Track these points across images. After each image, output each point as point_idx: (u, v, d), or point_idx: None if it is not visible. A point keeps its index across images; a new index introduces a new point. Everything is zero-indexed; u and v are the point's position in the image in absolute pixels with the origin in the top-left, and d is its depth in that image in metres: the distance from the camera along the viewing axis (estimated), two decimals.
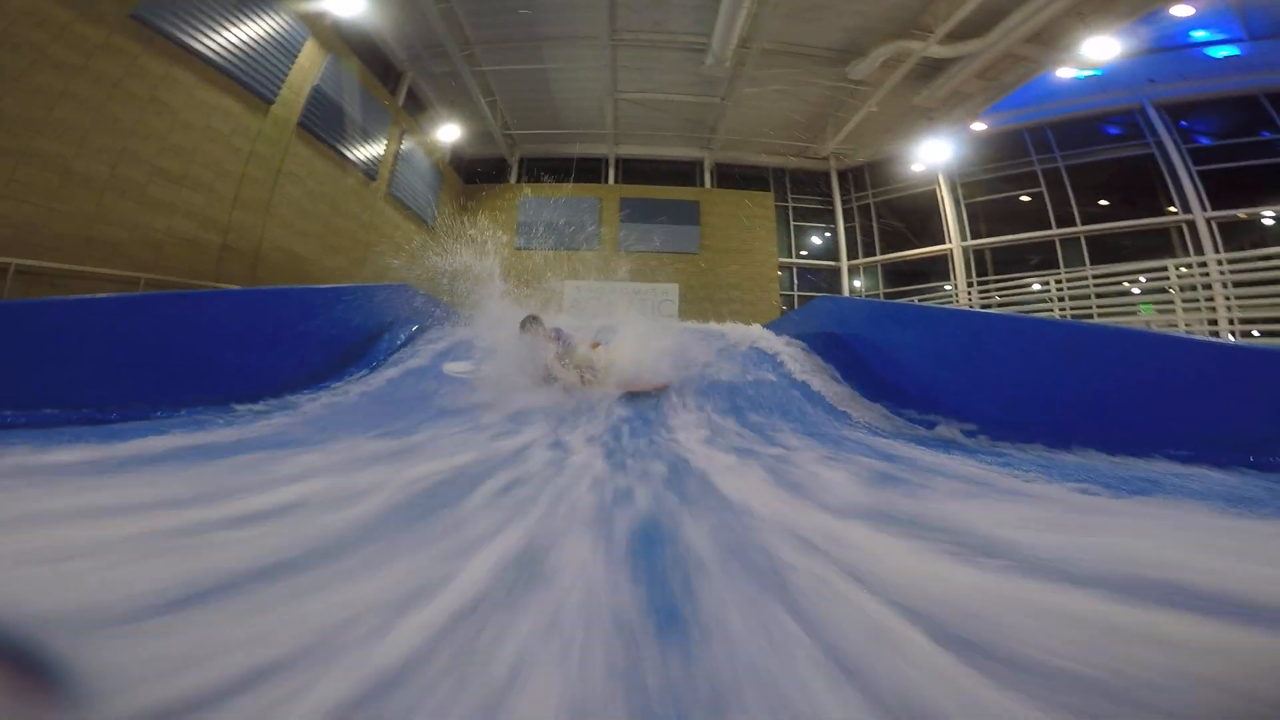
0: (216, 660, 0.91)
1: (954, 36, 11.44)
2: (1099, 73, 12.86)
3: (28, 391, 3.41)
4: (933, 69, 13.03)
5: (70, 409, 3.38)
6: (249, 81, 8.99)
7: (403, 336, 6.84)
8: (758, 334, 7.52)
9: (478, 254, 6.90)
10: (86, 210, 6.79)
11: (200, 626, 1.03)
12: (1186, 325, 9.73)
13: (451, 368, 5.68)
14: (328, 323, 6.03)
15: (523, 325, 5.27)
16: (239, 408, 4.08)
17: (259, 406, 4.21)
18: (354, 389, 5.22)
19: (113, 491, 1.80)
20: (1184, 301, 9.99)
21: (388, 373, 5.79)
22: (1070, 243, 14.68)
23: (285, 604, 1.13)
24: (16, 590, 1.08)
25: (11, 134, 5.98)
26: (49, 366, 3.64)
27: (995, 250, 16.09)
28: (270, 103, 9.49)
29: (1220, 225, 12.76)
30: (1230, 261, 9.72)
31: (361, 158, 12.22)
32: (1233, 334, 9.23)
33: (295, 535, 1.48)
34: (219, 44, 8.38)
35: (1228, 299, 9.48)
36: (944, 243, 16.77)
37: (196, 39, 8.02)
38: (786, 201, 18.95)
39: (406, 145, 14.16)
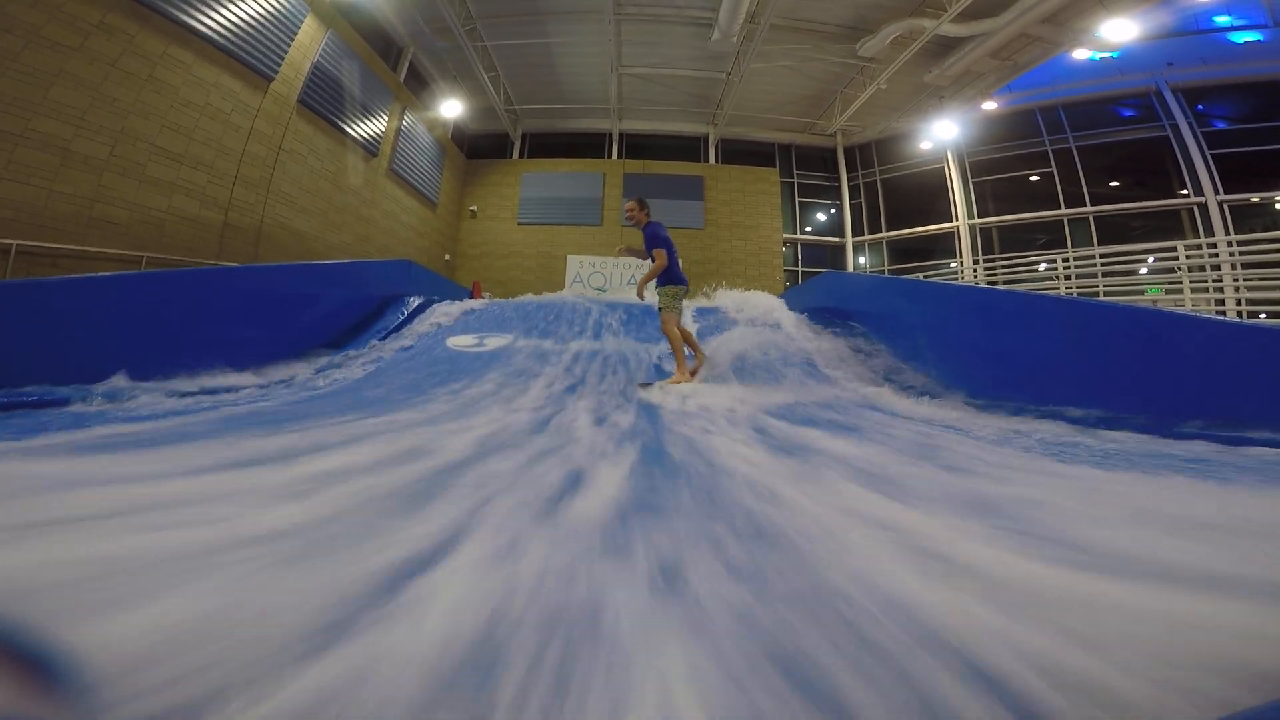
0: None
1: (967, 15, 11.16)
2: (1116, 55, 12.60)
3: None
4: (945, 47, 12.75)
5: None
6: (249, 59, 8.84)
7: (405, 311, 6.87)
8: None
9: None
10: (86, 190, 6.76)
11: None
12: (1194, 306, 9.69)
13: (456, 341, 5.83)
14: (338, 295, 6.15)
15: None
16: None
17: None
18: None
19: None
20: (1192, 282, 9.93)
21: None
22: (1079, 223, 14.55)
23: None
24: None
25: (9, 115, 5.93)
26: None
27: (1002, 229, 15.96)
28: (270, 80, 9.36)
29: (1231, 208, 12.62)
30: (1240, 243, 9.65)
31: (363, 134, 12.08)
32: (1240, 315, 9.24)
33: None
34: (218, 21, 8.23)
35: (1236, 280, 9.44)
36: (951, 220, 16.62)
37: (195, 17, 7.87)
38: (792, 177, 18.78)
39: (408, 121, 13.98)
